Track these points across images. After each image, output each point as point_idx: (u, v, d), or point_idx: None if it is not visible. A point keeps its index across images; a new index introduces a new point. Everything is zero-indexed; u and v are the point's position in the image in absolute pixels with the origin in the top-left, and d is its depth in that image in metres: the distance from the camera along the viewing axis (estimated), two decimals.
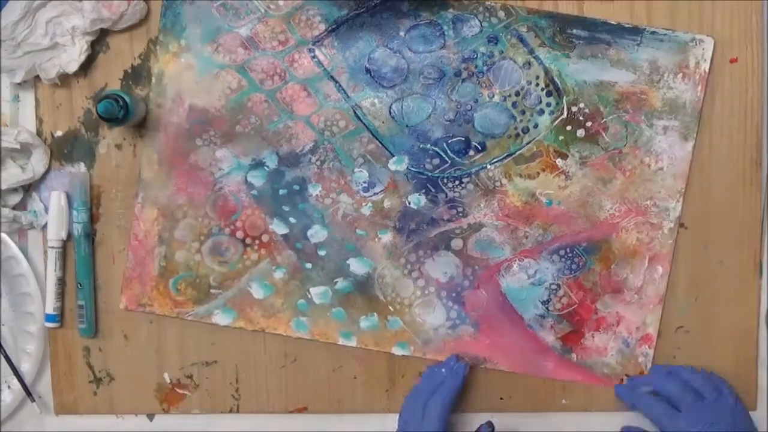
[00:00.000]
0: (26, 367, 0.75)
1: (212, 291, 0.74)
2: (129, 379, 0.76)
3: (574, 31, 0.72)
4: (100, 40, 0.73)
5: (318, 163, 0.74)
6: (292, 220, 0.74)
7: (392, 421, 0.74)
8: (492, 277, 0.74)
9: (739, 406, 0.71)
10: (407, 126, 0.73)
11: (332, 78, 0.73)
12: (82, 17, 0.71)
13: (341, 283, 0.74)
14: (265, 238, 0.74)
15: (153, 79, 0.73)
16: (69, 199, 0.74)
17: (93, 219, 0.74)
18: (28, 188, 0.75)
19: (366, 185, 0.74)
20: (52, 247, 0.74)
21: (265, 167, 0.74)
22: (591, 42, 0.72)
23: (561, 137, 0.73)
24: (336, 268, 0.74)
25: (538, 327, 0.74)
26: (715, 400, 0.70)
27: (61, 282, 0.75)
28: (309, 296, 0.74)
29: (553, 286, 0.73)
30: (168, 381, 0.76)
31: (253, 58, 0.73)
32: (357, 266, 0.74)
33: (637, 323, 0.74)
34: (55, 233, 0.74)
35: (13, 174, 0.73)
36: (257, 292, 0.74)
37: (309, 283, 0.74)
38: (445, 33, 0.72)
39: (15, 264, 0.75)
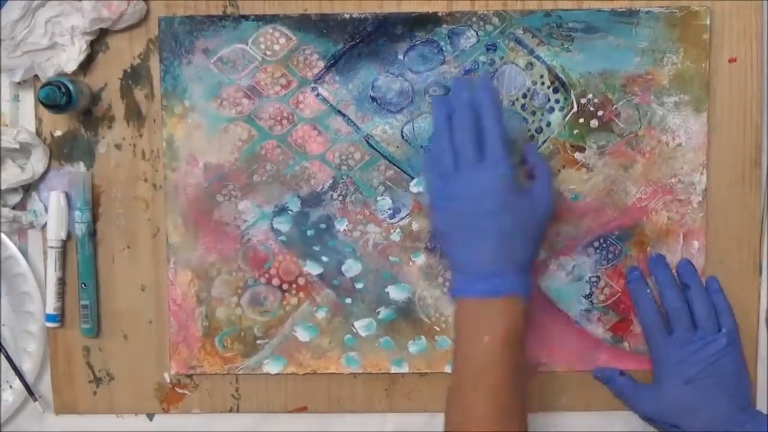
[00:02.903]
0: (28, 366, 0.75)
1: (258, 342, 0.74)
2: (129, 379, 0.76)
3: (570, 24, 0.72)
4: (99, 39, 0.73)
5: (340, 198, 0.74)
6: (324, 258, 0.74)
7: (392, 421, 0.74)
8: None
9: (732, 350, 0.69)
10: (422, 146, 0.73)
11: (340, 112, 0.73)
12: (82, 17, 0.71)
13: (384, 312, 0.74)
14: (301, 281, 0.74)
15: (164, 144, 0.74)
16: (69, 198, 0.74)
17: (93, 219, 0.75)
18: (28, 188, 0.75)
19: (391, 212, 0.74)
20: (52, 247, 0.74)
21: (289, 212, 0.74)
22: (588, 32, 0.72)
23: (575, 131, 0.73)
24: (376, 299, 0.74)
25: (586, 322, 0.74)
26: (707, 341, 0.69)
27: (61, 282, 0.75)
28: (354, 330, 0.74)
29: (593, 279, 0.73)
30: (168, 380, 0.76)
31: (259, 107, 0.73)
32: (396, 293, 0.74)
33: None
34: (55, 233, 0.74)
35: (13, 174, 0.73)
36: (302, 335, 0.74)
37: (352, 317, 0.74)
38: (443, 49, 0.73)
39: (14, 264, 0.75)
